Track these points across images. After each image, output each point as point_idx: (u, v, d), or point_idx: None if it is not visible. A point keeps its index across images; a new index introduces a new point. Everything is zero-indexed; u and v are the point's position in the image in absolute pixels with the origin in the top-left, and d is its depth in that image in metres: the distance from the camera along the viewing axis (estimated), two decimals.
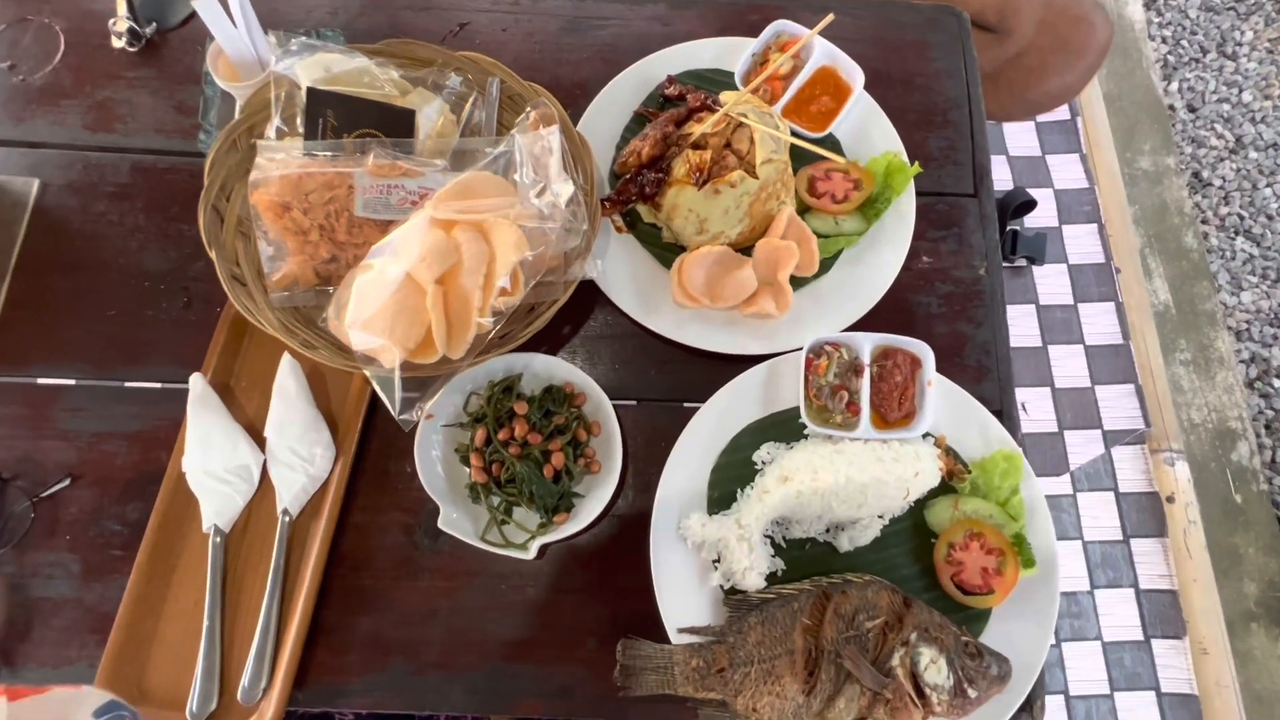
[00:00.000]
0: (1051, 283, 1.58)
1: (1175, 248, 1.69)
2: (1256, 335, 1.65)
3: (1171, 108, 1.85)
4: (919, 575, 0.77)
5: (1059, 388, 1.51)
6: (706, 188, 0.82)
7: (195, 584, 0.74)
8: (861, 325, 0.84)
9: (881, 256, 0.87)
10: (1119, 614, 1.39)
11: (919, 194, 0.90)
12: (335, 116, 0.76)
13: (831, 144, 0.92)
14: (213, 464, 0.76)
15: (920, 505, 0.78)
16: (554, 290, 0.77)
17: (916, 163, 0.88)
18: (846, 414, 0.79)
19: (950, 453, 0.80)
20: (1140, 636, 1.37)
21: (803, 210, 0.88)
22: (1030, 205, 1.42)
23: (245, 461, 0.77)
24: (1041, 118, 1.71)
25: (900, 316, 0.88)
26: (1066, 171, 1.67)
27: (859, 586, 0.71)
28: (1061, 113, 1.71)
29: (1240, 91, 1.86)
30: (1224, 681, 1.35)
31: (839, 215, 0.87)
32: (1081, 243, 1.62)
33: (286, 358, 0.79)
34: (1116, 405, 1.50)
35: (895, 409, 0.79)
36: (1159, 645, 1.37)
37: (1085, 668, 1.36)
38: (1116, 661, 1.36)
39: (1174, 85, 1.85)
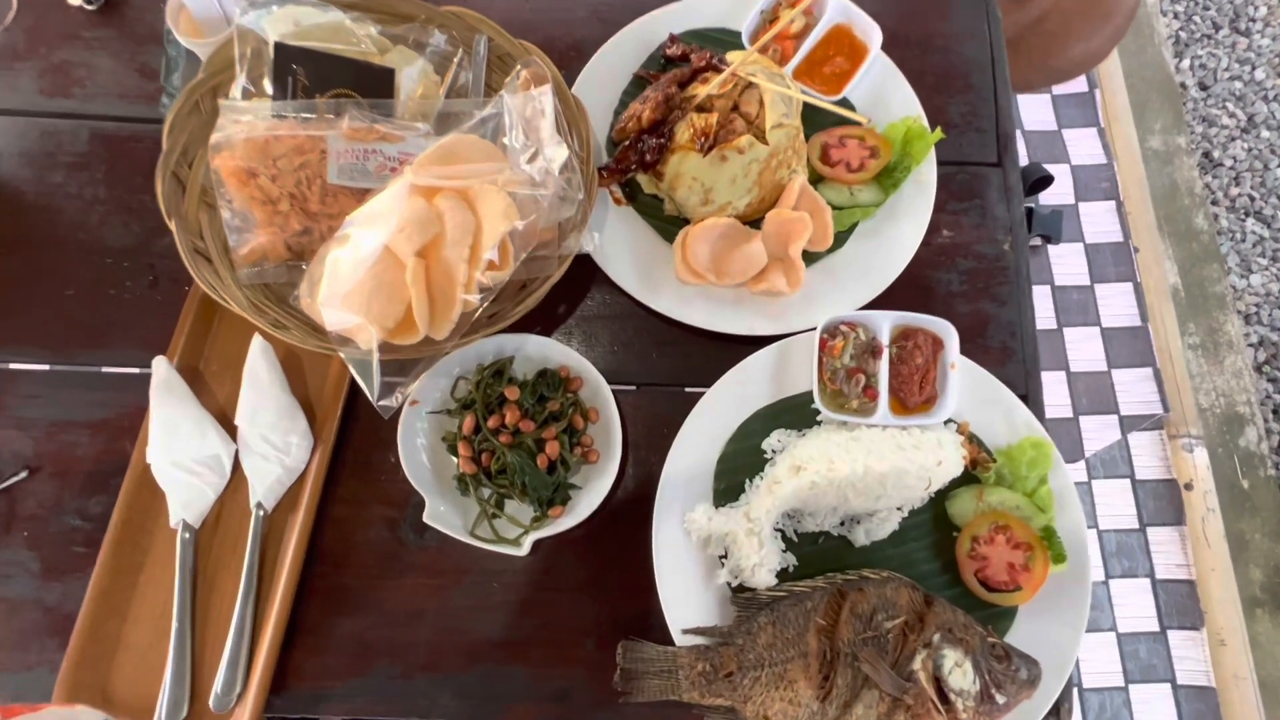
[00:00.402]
0: (1067, 262, 1.52)
1: (1185, 229, 1.64)
2: (1265, 319, 1.60)
3: (1183, 85, 1.79)
4: (940, 571, 0.72)
5: (1074, 371, 1.46)
6: (712, 154, 0.76)
7: (163, 583, 0.70)
8: (878, 304, 0.79)
9: (900, 230, 0.82)
10: (1134, 604, 1.35)
11: (938, 163, 0.84)
12: (306, 75, 0.69)
13: (846, 109, 0.86)
14: (180, 454, 0.71)
15: (941, 496, 0.73)
16: (547, 265, 0.71)
17: (939, 128, 0.81)
18: (863, 398, 0.73)
19: (974, 440, 0.75)
20: (1156, 628, 1.34)
21: (815, 180, 0.82)
22: (1047, 181, 1.36)
23: (215, 451, 0.72)
24: (1058, 90, 1.64)
25: (919, 294, 0.83)
26: (1084, 146, 1.61)
27: (877, 584, 0.66)
28: (1079, 84, 1.64)
29: (1253, 69, 1.81)
30: (1242, 674, 1.31)
31: (854, 185, 0.81)
32: (1099, 221, 1.56)
33: (257, 339, 0.73)
34: (1134, 389, 1.45)
35: (916, 393, 0.73)
36: (1175, 636, 1.33)
37: (1099, 660, 1.32)
38: (1131, 653, 1.33)
39: (1185, 62, 1.80)
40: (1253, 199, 1.70)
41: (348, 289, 0.61)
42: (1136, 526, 1.39)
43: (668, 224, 0.82)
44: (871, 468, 0.67)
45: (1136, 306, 1.50)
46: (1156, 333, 1.49)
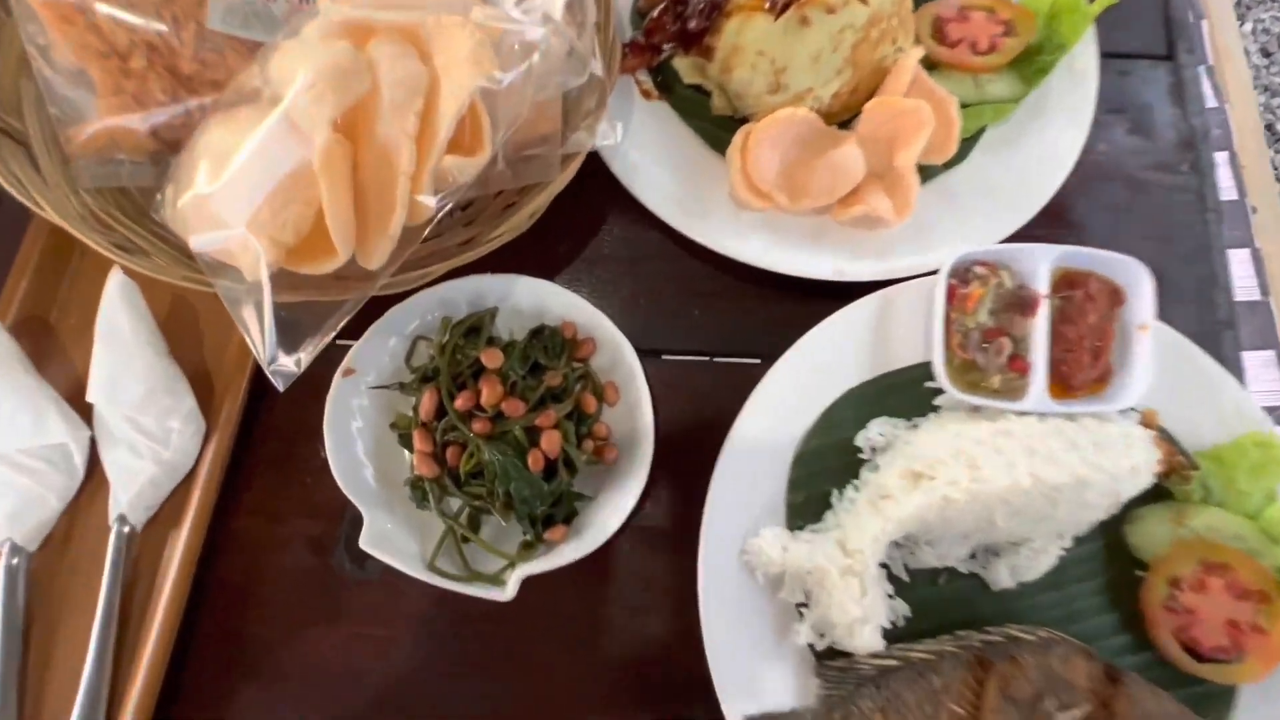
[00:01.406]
0: None
1: None
2: None
3: (1245, 51, 1.61)
4: (1117, 628, 0.52)
5: None
6: (788, 16, 0.55)
7: None
8: (1011, 242, 0.58)
9: (1048, 137, 0.63)
10: None
11: None
12: None
13: None
14: (6, 445, 0.53)
15: (1117, 519, 0.53)
16: (546, 170, 0.50)
17: None
18: (1009, 373, 0.53)
19: (1165, 436, 0.52)
20: None
21: (928, 67, 0.60)
22: None
23: (59, 440, 0.54)
24: None
25: (1064, 232, 0.64)
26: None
27: (1034, 649, 0.47)
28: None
29: None
30: None
31: (983, 74, 0.61)
32: None
33: (116, 277, 0.52)
34: (1254, 377, 1.22)
35: (1087, 366, 0.52)
36: None
37: None
38: None
39: (1247, 26, 1.66)
40: None
41: (224, 184, 0.38)
42: None
43: (717, 126, 0.63)
44: (1042, 477, 0.45)
45: (1255, 277, 1.27)
46: None
